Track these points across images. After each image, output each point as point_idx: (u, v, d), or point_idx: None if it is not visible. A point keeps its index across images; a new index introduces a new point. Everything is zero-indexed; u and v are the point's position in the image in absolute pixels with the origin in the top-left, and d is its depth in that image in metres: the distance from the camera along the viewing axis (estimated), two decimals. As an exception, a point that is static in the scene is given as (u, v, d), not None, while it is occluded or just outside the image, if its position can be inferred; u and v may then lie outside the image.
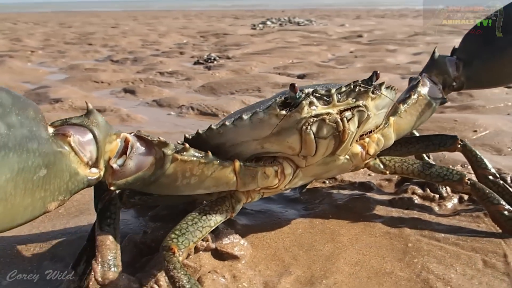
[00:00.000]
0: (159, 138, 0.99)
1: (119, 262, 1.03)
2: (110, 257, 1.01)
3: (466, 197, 1.51)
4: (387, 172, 1.32)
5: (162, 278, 1.05)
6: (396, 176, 1.70)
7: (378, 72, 1.14)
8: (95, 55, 6.40)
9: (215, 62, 5.12)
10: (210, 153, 1.03)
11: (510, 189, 1.36)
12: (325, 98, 1.04)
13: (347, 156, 1.17)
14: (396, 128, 1.29)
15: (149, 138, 0.98)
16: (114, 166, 0.93)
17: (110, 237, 1.05)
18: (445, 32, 7.67)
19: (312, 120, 1.01)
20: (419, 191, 1.55)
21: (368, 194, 1.60)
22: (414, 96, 1.33)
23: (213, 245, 1.19)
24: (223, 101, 3.09)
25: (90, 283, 1.04)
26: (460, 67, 1.36)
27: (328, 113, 1.02)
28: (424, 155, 1.59)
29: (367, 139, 1.21)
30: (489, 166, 1.41)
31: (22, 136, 0.70)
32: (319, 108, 1.02)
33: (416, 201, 1.51)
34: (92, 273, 1.02)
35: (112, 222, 1.08)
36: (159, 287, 1.04)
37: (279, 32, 8.99)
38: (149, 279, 1.05)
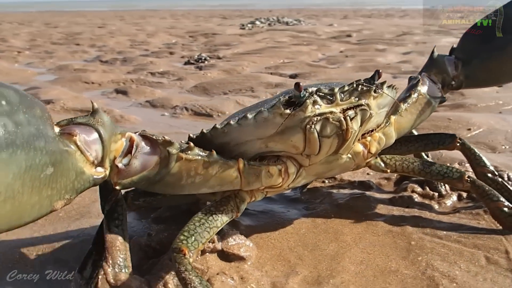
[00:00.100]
0: (164, 137, 0.99)
1: (130, 263, 1.02)
2: (120, 258, 1.01)
3: (465, 194, 1.53)
4: (388, 171, 1.33)
5: (171, 280, 1.05)
6: (395, 175, 1.72)
7: (380, 71, 1.15)
8: (84, 56, 6.33)
9: (206, 62, 5.10)
10: (214, 152, 1.04)
11: (508, 186, 1.39)
12: (328, 97, 1.04)
13: (349, 155, 1.18)
14: (397, 127, 1.30)
15: (154, 137, 0.98)
16: (120, 165, 0.93)
17: (120, 238, 1.04)
18: (432, 32, 7.77)
19: (316, 119, 1.02)
20: (419, 189, 1.57)
21: (368, 193, 1.61)
22: (414, 95, 1.34)
23: (219, 247, 1.19)
24: (217, 101, 3.08)
25: (99, 286, 1.03)
26: (459, 66, 1.38)
27: (331, 112, 1.03)
28: (423, 153, 1.61)
29: (368, 138, 1.22)
30: (488, 163, 1.43)
31: (30, 134, 0.70)
32: (323, 107, 1.03)
33: (416, 200, 1.52)
34: (100, 275, 1.01)
35: (120, 224, 1.08)
36: (167, 290, 1.04)
37: (268, 32, 9.00)
38: (158, 282, 1.05)
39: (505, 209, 1.26)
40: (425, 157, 1.63)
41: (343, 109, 1.05)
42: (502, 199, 1.26)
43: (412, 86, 1.36)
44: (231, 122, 1.06)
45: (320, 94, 1.04)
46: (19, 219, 0.72)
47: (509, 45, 1.30)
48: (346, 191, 1.65)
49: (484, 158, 1.43)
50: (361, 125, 1.08)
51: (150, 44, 7.41)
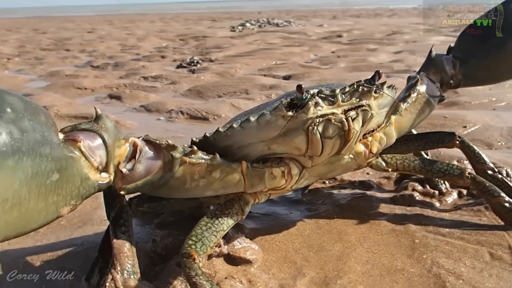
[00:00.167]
0: (168, 142, 1.00)
1: (138, 269, 1.02)
2: (128, 264, 1.01)
3: (465, 192, 1.55)
4: (390, 170, 1.34)
5: (179, 286, 1.05)
6: (395, 174, 1.73)
7: (381, 71, 1.16)
8: (74, 61, 6.29)
9: (199, 65, 5.10)
10: (217, 155, 1.04)
11: (508, 182, 1.40)
12: (330, 98, 1.05)
13: (351, 155, 1.19)
14: (397, 126, 1.31)
15: (157, 141, 0.99)
16: (124, 170, 0.94)
17: (127, 245, 1.04)
18: (422, 31, 7.83)
19: (318, 121, 1.02)
20: (419, 187, 1.58)
21: (369, 192, 1.62)
22: (414, 95, 1.35)
23: (225, 251, 1.18)
24: (212, 105, 3.08)
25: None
26: (457, 65, 1.39)
27: (333, 113, 1.04)
28: (423, 152, 1.62)
29: (369, 138, 1.23)
30: (487, 160, 1.44)
31: (35, 140, 0.70)
32: (325, 108, 1.03)
33: (417, 198, 1.54)
34: (108, 282, 1.01)
35: (127, 230, 1.07)
36: (177, 295, 1.03)
37: (259, 33, 9.01)
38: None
39: (506, 204, 1.27)
40: (425, 155, 1.64)
41: (344, 110, 1.05)
42: (502, 194, 1.28)
43: (411, 85, 1.38)
44: (234, 125, 1.07)
45: (322, 95, 1.05)
46: (26, 226, 0.72)
47: (507, 43, 1.32)
48: (347, 191, 1.66)
49: (483, 155, 1.45)
50: (362, 126, 1.09)
51: (141, 48, 7.38)
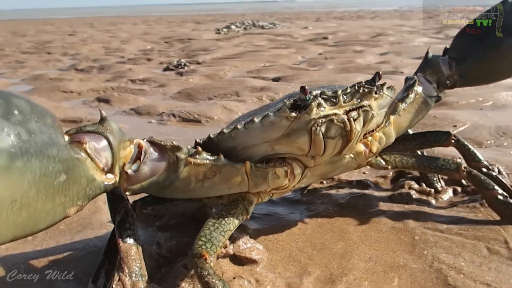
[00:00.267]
0: (172, 143, 1.02)
1: (145, 272, 1.02)
2: (136, 267, 1.01)
3: (459, 189, 1.59)
4: (389, 167, 1.37)
5: None
6: (391, 173, 1.76)
7: (380, 72, 1.18)
8: (57, 64, 6.21)
9: (186, 68, 5.09)
10: (222, 156, 1.06)
11: (502, 179, 1.44)
12: (332, 99, 1.07)
13: (351, 155, 1.21)
14: (396, 126, 1.34)
15: (162, 143, 1.01)
16: (129, 171, 0.95)
17: (134, 248, 1.04)
18: (405, 32, 7.97)
19: (321, 121, 1.04)
20: (415, 186, 1.61)
21: (367, 191, 1.65)
22: (412, 95, 1.38)
23: (231, 251, 1.19)
24: (204, 107, 3.08)
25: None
26: (453, 66, 1.43)
27: (335, 114, 1.06)
28: (418, 151, 1.66)
29: (369, 138, 1.25)
30: (482, 158, 1.49)
31: (43, 142, 0.71)
32: (327, 109, 1.05)
33: (414, 196, 1.57)
34: (114, 284, 1.01)
35: (133, 233, 1.07)
36: (186, 297, 1.04)
37: (245, 36, 9.03)
38: (175, 290, 1.05)
39: (500, 197, 1.31)
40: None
41: (346, 110, 1.07)
42: (496, 187, 1.32)
43: (409, 86, 1.41)
44: (238, 126, 1.08)
45: (324, 96, 1.06)
46: (34, 226, 0.73)
47: (502, 44, 1.36)
48: (345, 190, 1.68)
49: (478, 154, 1.49)
50: (363, 126, 1.11)
51: (125, 51, 7.32)
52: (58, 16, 32.01)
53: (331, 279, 1.14)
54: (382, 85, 1.17)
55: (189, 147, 1.07)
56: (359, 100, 1.09)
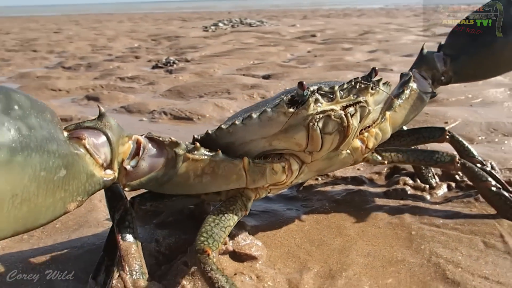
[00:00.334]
0: (171, 138, 1.02)
1: (146, 270, 1.03)
2: (136, 265, 1.02)
3: (453, 184, 1.61)
4: (385, 162, 1.38)
5: (188, 285, 1.05)
6: (385, 169, 1.78)
7: (377, 68, 1.19)
8: (44, 62, 6.11)
9: (175, 66, 5.05)
10: (220, 152, 1.06)
11: (495, 174, 1.46)
12: (329, 95, 1.07)
13: (348, 151, 1.22)
14: (392, 122, 1.35)
15: (160, 139, 1.01)
16: (128, 167, 0.96)
17: (133, 246, 1.04)
18: (392, 30, 8.03)
19: (318, 117, 1.05)
20: (410, 181, 1.63)
21: (362, 187, 1.66)
22: (407, 91, 1.40)
23: (230, 248, 1.19)
24: (195, 105, 3.06)
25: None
26: (448, 62, 1.44)
27: (332, 110, 1.06)
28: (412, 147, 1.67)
29: (366, 134, 1.26)
30: (476, 154, 1.51)
31: (43, 137, 0.72)
32: (324, 104, 1.06)
33: (409, 192, 1.58)
34: (115, 280, 1.00)
35: (132, 232, 1.07)
36: (186, 294, 1.04)
37: (233, 33, 9.01)
38: (175, 287, 1.04)
39: (493, 188, 1.33)
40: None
41: (343, 106, 1.08)
42: (489, 179, 1.34)
43: (404, 82, 1.42)
44: (236, 122, 1.08)
45: (321, 92, 1.07)
46: (35, 221, 0.73)
47: (496, 40, 1.38)
48: (341, 187, 1.69)
49: (472, 149, 1.51)
50: (360, 121, 1.12)
51: (112, 49, 7.24)
52: (42, 13, 31.50)
53: (331, 274, 1.15)
54: (378, 81, 1.18)
55: (187, 143, 1.07)
56: (355, 96, 1.10)
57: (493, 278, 1.09)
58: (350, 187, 1.68)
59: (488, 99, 2.92)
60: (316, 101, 1.05)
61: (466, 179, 1.60)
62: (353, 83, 1.10)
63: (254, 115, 1.05)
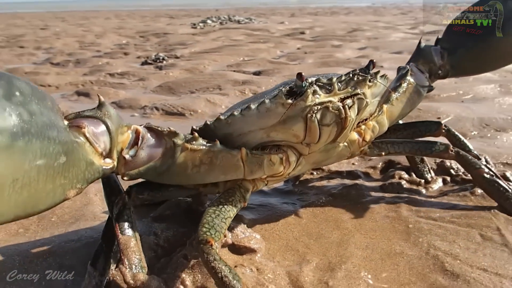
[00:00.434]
0: (169, 128, 1.03)
1: (145, 263, 1.03)
2: (136, 259, 1.01)
3: (449, 178, 1.62)
4: (383, 154, 1.38)
5: (187, 278, 1.04)
6: (380, 163, 1.78)
7: (375, 61, 1.19)
8: (31, 58, 6.01)
9: (165, 62, 5.01)
10: (218, 142, 1.06)
11: (491, 168, 1.48)
12: (327, 86, 1.07)
13: (345, 143, 1.22)
14: (389, 115, 1.35)
15: (159, 129, 1.02)
16: (127, 156, 0.97)
17: (133, 240, 1.04)
18: (381, 28, 8.08)
19: (316, 108, 1.05)
20: (405, 175, 1.64)
21: (358, 181, 1.66)
22: (404, 85, 1.40)
23: (230, 241, 1.19)
24: (187, 100, 3.04)
25: (116, 279, 1.00)
26: (445, 56, 1.45)
27: (330, 101, 1.06)
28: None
29: (363, 127, 1.26)
30: (472, 148, 1.52)
31: (43, 123, 0.72)
32: (322, 96, 1.05)
33: (405, 186, 1.59)
34: (114, 271, 1.00)
35: (131, 226, 1.07)
36: None
37: (222, 30, 8.98)
38: (175, 280, 1.04)
39: (487, 175, 1.35)
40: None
41: (341, 98, 1.08)
42: (483, 166, 1.35)
43: (402, 76, 1.42)
44: (235, 113, 1.08)
45: (319, 84, 1.07)
46: (35, 207, 0.74)
47: (492, 34, 1.39)
48: (336, 181, 1.69)
49: (468, 143, 1.52)
50: (357, 114, 1.12)
51: (100, 45, 7.16)
52: (27, 10, 31.01)
53: (330, 267, 1.15)
54: (376, 73, 1.18)
55: (186, 133, 1.06)
56: (353, 88, 1.10)
57: (492, 270, 1.10)
58: (346, 181, 1.68)
59: (479, 95, 2.95)
60: (314, 92, 1.05)
61: (461, 173, 1.61)
62: (351, 75, 1.10)
63: (253, 106, 1.05)
